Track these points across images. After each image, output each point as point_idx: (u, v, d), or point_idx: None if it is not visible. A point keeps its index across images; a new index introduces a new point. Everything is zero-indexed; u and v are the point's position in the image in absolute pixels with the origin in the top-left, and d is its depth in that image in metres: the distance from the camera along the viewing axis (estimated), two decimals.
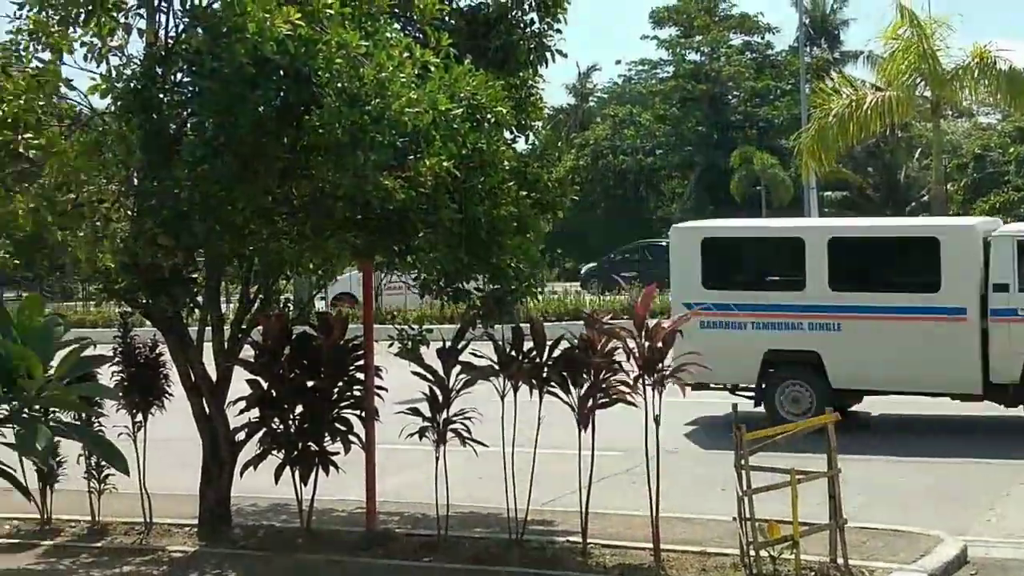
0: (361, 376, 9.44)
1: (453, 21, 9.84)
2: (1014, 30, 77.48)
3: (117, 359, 9.85)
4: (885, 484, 11.17)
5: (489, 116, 8.50)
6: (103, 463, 9.41)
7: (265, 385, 9.44)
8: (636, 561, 8.66)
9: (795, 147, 34.00)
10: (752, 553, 8.16)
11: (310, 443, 9.37)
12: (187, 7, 8.72)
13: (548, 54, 10.19)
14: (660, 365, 8.67)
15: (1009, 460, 12.20)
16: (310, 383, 9.40)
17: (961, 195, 45.48)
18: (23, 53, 9.03)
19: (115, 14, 8.64)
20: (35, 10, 8.65)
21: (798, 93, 44.84)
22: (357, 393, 9.46)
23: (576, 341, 8.97)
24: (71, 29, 8.58)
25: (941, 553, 8.80)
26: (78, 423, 8.69)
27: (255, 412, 9.52)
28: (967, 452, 12.64)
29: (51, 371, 4.63)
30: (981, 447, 12.94)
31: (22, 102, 8.71)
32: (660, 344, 8.68)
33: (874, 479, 11.17)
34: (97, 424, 9.29)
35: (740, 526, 8.29)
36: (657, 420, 8.46)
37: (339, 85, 7.87)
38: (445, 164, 8.05)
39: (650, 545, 8.63)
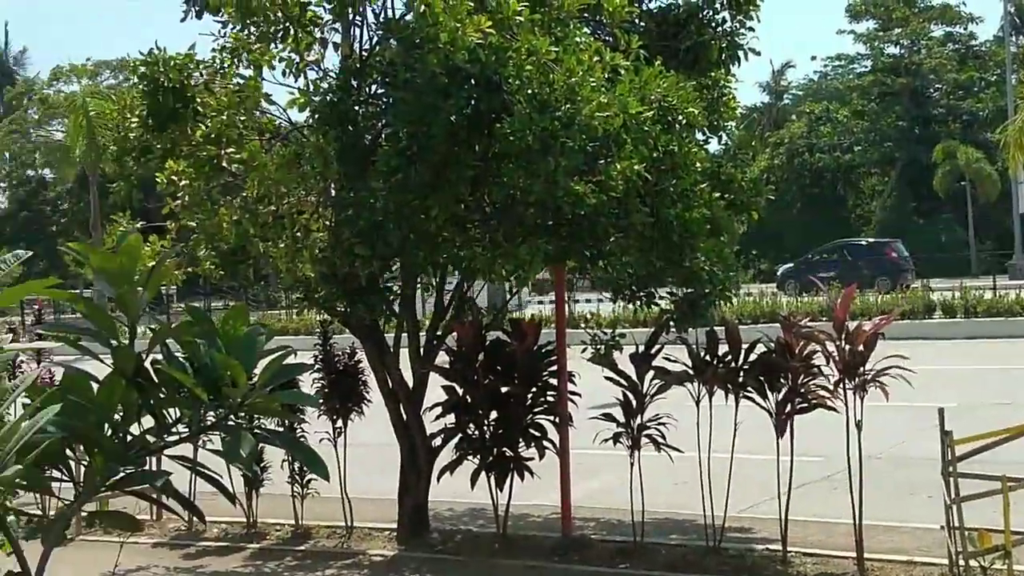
0: (554, 381, 9.48)
1: (643, 23, 9.81)
2: None
3: (317, 366, 10.12)
4: None
5: (680, 117, 8.46)
6: (305, 468, 9.67)
7: (460, 391, 9.55)
8: (838, 570, 8.47)
9: (1002, 140, 32.83)
10: (961, 563, 7.87)
11: (505, 448, 9.45)
12: (381, 20, 8.93)
13: (740, 53, 10.06)
14: (861, 369, 8.46)
15: None
16: (504, 389, 9.48)
17: None
18: (225, 70, 9.38)
19: (312, 29, 8.91)
20: (237, 28, 8.97)
21: (1004, 84, 43.36)
22: (551, 398, 9.50)
23: (773, 345, 8.83)
24: (270, 45, 8.87)
25: None
26: (281, 430, 8.98)
27: (451, 418, 9.65)
28: None
29: (255, 379, 4.74)
30: None
31: (224, 118, 9.05)
32: (861, 347, 8.47)
33: None
34: (299, 430, 9.59)
35: (948, 535, 8.03)
36: (859, 425, 8.26)
37: (529, 92, 7.92)
38: (636, 167, 8.03)
39: (853, 554, 8.43)
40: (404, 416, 9.89)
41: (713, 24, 10.00)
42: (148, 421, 4.70)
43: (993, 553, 7.87)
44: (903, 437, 13.18)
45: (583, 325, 21.62)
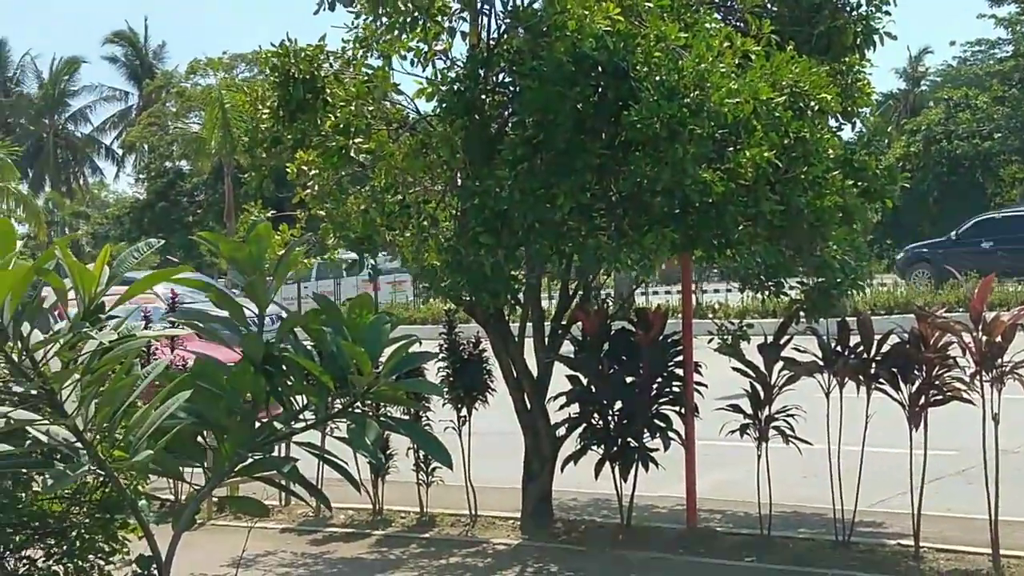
0: (680, 372, 9.41)
1: (775, 7, 9.67)
2: None
3: (442, 355, 10.18)
4: None
5: (813, 104, 8.32)
6: (430, 456, 9.75)
7: (585, 381, 9.53)
8: (973, 567, 8.26)
9: None
10: None
11: (629, 439, 9.40)
12: (508, 8, 8.94)
13: (876, 38, 9.85)
14: (999, 360, 8.23)
15: None
16: (629, 379, 9.43)
17: None
18: (355, 60, 9.49)
19: (440, 19, 8.96)
20: (368, 19, 9.06)
21: None
22: (676, 389, 9.42)
23: (907, 336, 8.64)
24: (400, 35, 8.93)
25: None
26: (406, 418, 9.06)
27: (575, 407, 9.64)
28: None
29: (380, 367, 4.79)
30: None
31: (353, 108, 9.15)
32: (999, 338, 8.24)
33: None
34: (424, 418, 9.65)
35: None
36: (996, 419, 8.04)
37: (657, 79, 7.86)
38: (766, 155, 7.91)
39: (988, 550, 8.20)
40: (528, 405, 9.90)
41: (848, 8, 9.81)
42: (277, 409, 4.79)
43: None
44: None
45: (711, 315, 21.42)
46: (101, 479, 4.62)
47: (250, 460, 4.68)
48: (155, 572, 4.64)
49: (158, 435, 4.37)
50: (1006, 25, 59.36)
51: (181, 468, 4.89)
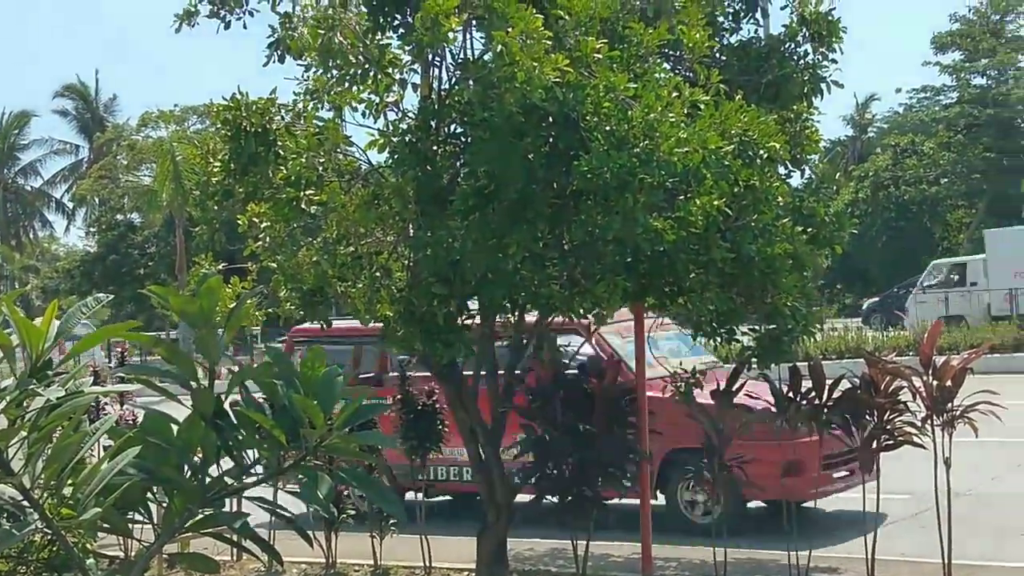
0: (634, 420, 9.41)
1: (723, 57, 9.76)
2: None
3: (396, 406, 10.13)
4: None
5: (761, 152, 8.37)
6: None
7: (539, 430, 9.51)
8: None
9: None
10: None
11: (584, 488, 9.38)
12: (459, 60, 8.97)
13: (823, 86, 9.95)
14: (950, 405, 8.30)
15: None
16: (583, 427, 9.42)
17: None
18: (306, 112, 9.48)
19: (391, 71, 8.96)
20: (318, 72, 9.06)
21: None
22: (631, 437, 9.42)
23: (858, 381, 8.70)
24: (351, 87, 8.94)
25: None
26: (359, 470, 8.97)
27: (530, 457, 9.61)
28: None
29: (333, 420, 4.75)
30: None
31: (304, 160, 9.12)
32: (949, 383, 8.32)
33: None
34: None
35: None
36: (947, 462, 8.10)
37: (607, 128, 7.90)
38: (716, 203, 7.96)
39: None
40: (483, 456, 9.86)
41: (795, 57, 9.92)
42: (227, 463, 4.74)
43: None
44: (993, 474, 12.90)
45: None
46: (49, 538, 4.55)
47: (200, 515, 4.62)
48: None
49: (107, 492, 4.30)
50: (951, 72, 60.36)
51: (130, 525, 4.82)
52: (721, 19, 9.93)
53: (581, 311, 8.50)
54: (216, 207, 9.81)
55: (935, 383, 8.29)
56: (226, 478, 4.72)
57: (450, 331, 8.91)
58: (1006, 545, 9.72)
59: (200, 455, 4.67)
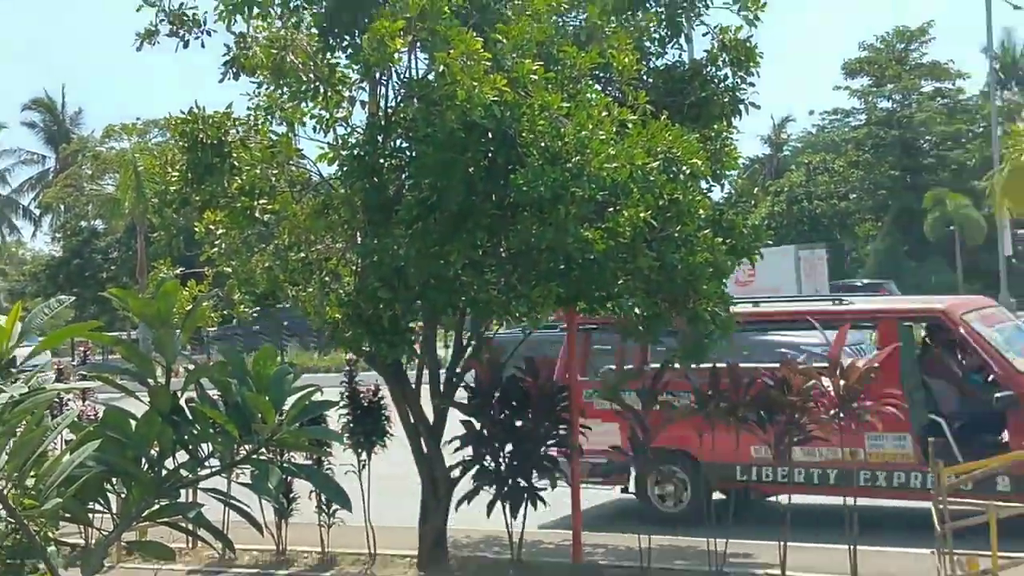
0: (566, 416, 9.43)
1: (650, 79, 9.83)
2: None
3: (343, 403, 10.08)
4: None
5: (685, 168, 8.43)
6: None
7: (477, 425, 9.51)
8: None
9: (988, 187, 32.79)
10: None
11: (519, 479, 9.39)
12: (404, 79, 8.96)
13: (742, 107, 10.04)
14: (855, 403, 8.40)
15: None
16: (519, 423, 9.44)
17: None
18: (259, 127, 9.42)
19: (340, 88, 8.92)
20: (271, 88, 9.01)
21: (989, 135, 43.27)
22: (563, 432, 9.44)
23: (772, 380, 8.77)
24: (302, 104, 8.90)
25: None
26: (308, 463, 8.92)
27: (468, 450, 9.60)
28: None
29: (283, 416, 4.72)
30: None
31: (258, 171, 9.08)
32: (855, 382, 8.42)
33: None
34: (326, 463, 9.52)
35: (938, 559, 7.93)
36: (853, 455, 8.18)
37: (542, 145, 7.93)
38: (643, 215, 8.02)
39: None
40: (425, 449, 9.84)
41: (716, 80, 10.00)
42: (183, 456, 4.69)
43: (981, 575, 7.79)
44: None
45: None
46: (12, 527, 4.48)
47: (157, 506, 4.58)
48: None
49: (68, 483, 4.25)
50: (859, 96, 61.14)
51: (90, 515, 4.76)
52: (648, 44, 9.99)
53: (517, 314, 8.51)
54: (174, 214, 9.75)
55: (842, 383, 8.38)
56: (181, 470, 4.68)
57: (395, 333, 8.91)
58: (910, 534, 9.81)
59: (157, 448, 4.63)
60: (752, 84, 10.05)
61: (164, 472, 4.60)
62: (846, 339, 9.29)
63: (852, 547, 8.23)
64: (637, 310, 8.77)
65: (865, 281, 45.28)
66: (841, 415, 8.38)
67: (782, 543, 8.60)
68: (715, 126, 9.94)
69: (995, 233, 39.02)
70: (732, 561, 9.03)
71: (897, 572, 8.70)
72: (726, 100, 9.96)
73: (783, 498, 8.45)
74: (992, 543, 7.61)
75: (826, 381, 8.47)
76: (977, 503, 7.82)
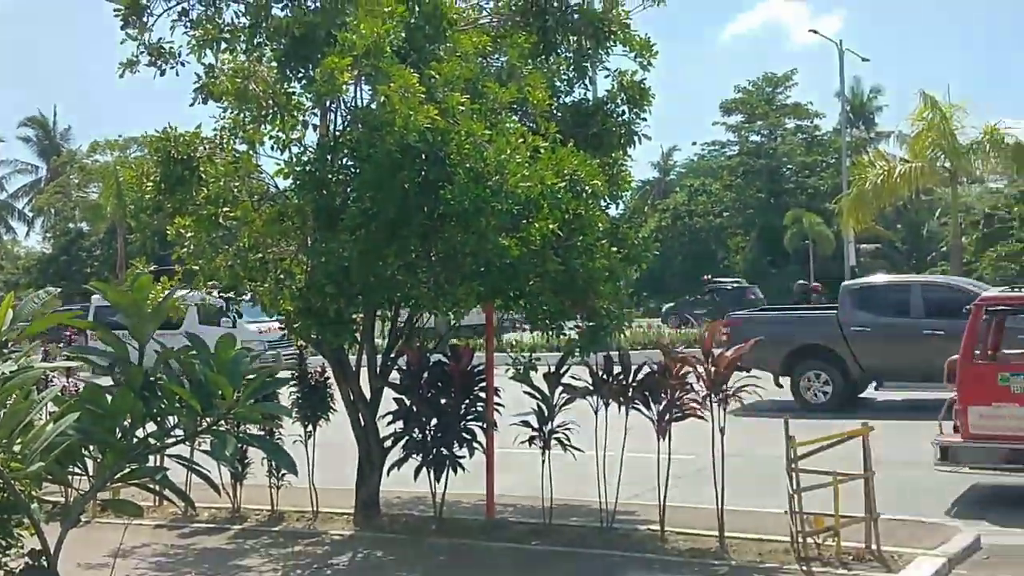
0: (483, 395, 9.43)
1: (560, 113, 9.87)
2: (1021, 109, 75.23)
3: (293, 382, 9.99)
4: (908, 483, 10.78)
5: (587, 188, 8.49)
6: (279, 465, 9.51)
7: (408, 402, 9.47)
8: (705, 546, 8.48)
9: (837, 209, 33.44)
10: (800, 540, 7.94)
11: (442, 448, 9.37)
12: (350, 107, 8.91)
13: (636, 138, 10.14)
14: (724, 386, 8.51)
15: None
16: (443, 401, 9.41)
17: (973, 247, 44.23)
18: (224, 145, 9.29)
19: (295, 114, 8.84)
20: (235, 112, 8.89)
21: (840, 165, 44.12)
22: (480, 409, 9.44)
23: (656, 367, 8.85)
24: (261, 126, 8.80)
25: (959, 540, 8.45)
26: (261, 434, 8.81)
27: (400, 424, 9.56)
28: None
29: (240, 393, 4.66)
30: None
31: (223, 184, 8.96)
32: (724, 369, 8.52)
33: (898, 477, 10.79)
34: (277, 434, 9.43)
35: (791, 519, 8.08)
36: (722, 430, 8.29)
37: (467, 166, 7.93)
38: (551, 227, 8.06)
39: (716, 533, 8.44)
40: (362, 422, 9.78)
41: (615, 115, 10.07)
42: (152, 426, 4.61)
43: (826, 533, 7.96)
44: (757, 441, 13.22)
45: (508, 350, 21.57)
46: (0, 487, 4.36)
47: (128, 469, 4.49)
48: (45, 563, 4.39)
49: (50, 449, 4.16)
50: (734, 130, 62.11)
51: (69, 476, 4.67)
52: (558, 84, 10.04)
53: (444, 309, 8.50)
54: (149, 219, 9.59)
55: (713, 369, 8.48)
56: (150, 439, 4.60)
57: (339, 323, 8.86)
58: (766, 496, 9.97)
59: (129, 420, 4.54)
60: (645, 119, 10.16)
61: (135, 440, 4.52)
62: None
63: (719, 508, 8.33)
64: (545, 307, 8.81)
65: (734, 284, 46.00)
66: (712, 396, 8.48)
67: (661, 504, 8.68)
68: (613, 154, 10.02)
69: (843, 246, 39.79)
70: (620, 519, 9.10)
71: (757, 528, 8.82)
72: (623, 132, 10.05)
73: (662, 465, 8.53)
74: (835, 504, 7.78)
75: (700, 368, 8.56)
76: (821, 471, 7.98)
